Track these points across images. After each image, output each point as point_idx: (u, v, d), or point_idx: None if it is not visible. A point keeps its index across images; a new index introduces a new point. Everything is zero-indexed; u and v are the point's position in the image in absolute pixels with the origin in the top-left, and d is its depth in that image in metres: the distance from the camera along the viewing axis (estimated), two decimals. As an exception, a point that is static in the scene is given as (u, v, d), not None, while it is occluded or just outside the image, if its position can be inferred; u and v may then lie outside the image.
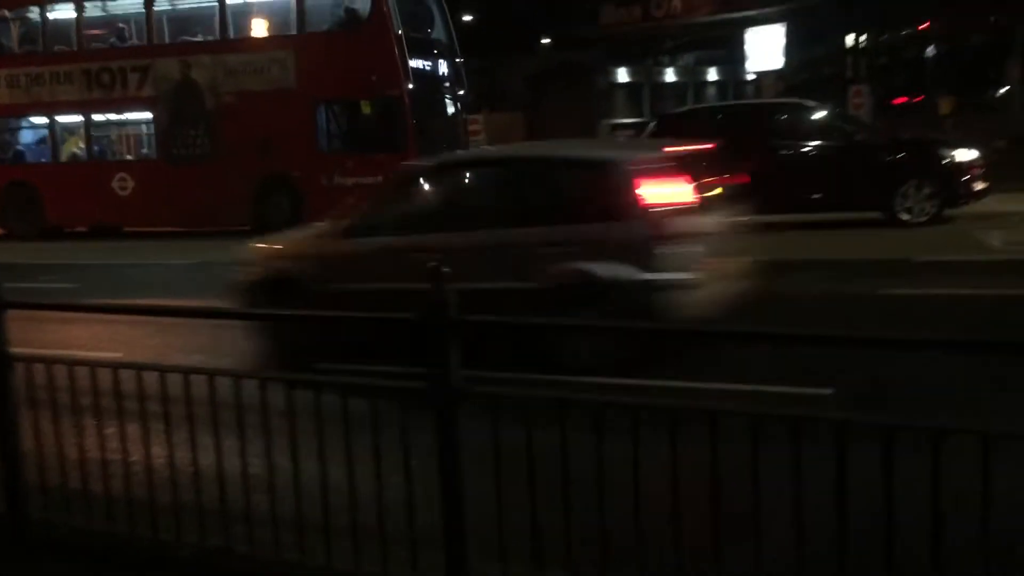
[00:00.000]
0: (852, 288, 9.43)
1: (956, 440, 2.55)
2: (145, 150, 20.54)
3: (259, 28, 19.49)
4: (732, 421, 2.78)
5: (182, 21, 20.30)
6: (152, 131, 19.87)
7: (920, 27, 45.73)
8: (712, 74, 49.09)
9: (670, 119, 14.96)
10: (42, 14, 20.24)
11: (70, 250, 17.62)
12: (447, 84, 19.22)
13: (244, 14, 19.38)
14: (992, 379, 5.34)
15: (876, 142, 14.18)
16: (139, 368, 3.80)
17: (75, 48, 20.17)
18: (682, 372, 6.27)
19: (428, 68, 18.52)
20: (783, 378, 5.79)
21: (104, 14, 20.68)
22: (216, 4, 18.85)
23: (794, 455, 2.66)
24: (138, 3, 19.63)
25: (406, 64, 17.58)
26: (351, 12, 18.32)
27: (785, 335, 3.62)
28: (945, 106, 35.13)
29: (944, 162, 13.61)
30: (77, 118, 20.25)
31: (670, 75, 47.20)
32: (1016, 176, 15.04)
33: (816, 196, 13.83)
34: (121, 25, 20.51)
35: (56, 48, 20.31)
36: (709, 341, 6.46)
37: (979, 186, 13.55)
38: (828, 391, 5.74)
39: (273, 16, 19.38)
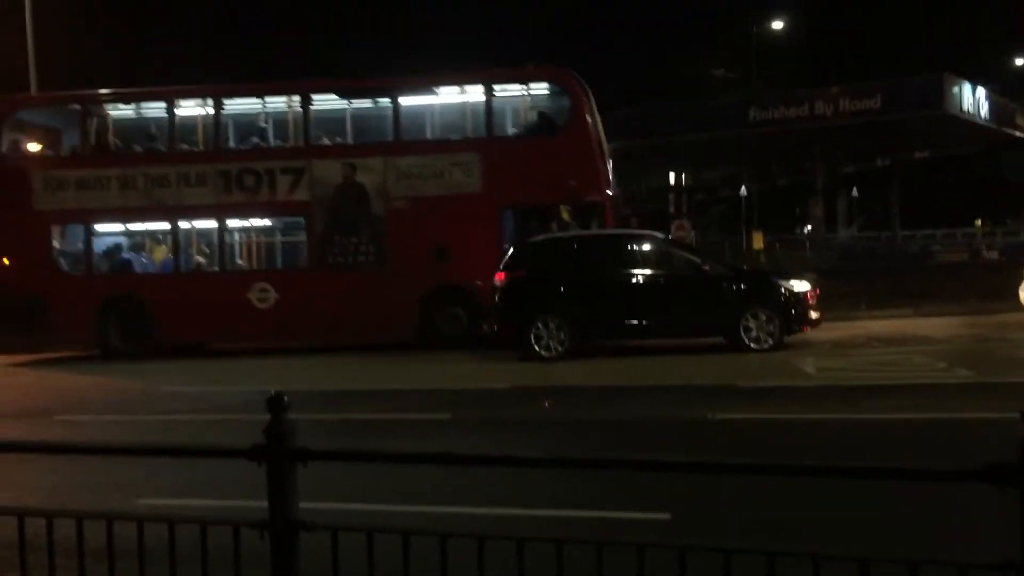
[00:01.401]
0: (686, 412, 9.78)
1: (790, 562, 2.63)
2: (293, 258, 18.76)
3: (440, 131, 18.47)
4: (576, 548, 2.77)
5: (340, 122, 18.77)
6: (304, 238, 18.04)
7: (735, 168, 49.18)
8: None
9: (528, 246, 15.23)
10: (169, 110, 18.32)
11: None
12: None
13: (421, 116, 18.35)
14: (803, 500, 5.58)
15: (721, 273, 14.95)
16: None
17: (210, 148, 18.31)
18: (519, 500, 6.25)
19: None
20: (622, 503, 5.87)
21: (246, 112, 18.94)
22: (390, 105, 17.65)
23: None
24: (283, 104, 18.35)
25: (607, 169, 17.25)
26: (546, 118, 17.66)
27: (624, 461, 3.67)
28: (757, 240, 37.89)
29: (783, 292, 14.52)
30: (208, 223, 18.16)
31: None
32: (826, 307, 16.14)
33: (668, 322, 14.47)
34: (263, 124, 18.82)
35: (185, 147, 18.42)
36: (547, 467, 6.46)
37: (814, 314, 14.54)
38: (666, 516, 5.84)
39: (456, 119, 18.43)
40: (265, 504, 2.96)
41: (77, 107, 18.62)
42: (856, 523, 5.54)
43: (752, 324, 14.18)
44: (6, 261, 18.17)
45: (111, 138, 19.09)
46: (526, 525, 5.52)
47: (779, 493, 5.96)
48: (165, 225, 18.14)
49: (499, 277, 14.74)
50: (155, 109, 18.79)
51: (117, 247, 18.80)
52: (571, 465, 3.55)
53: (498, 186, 16.86)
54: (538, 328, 14.48)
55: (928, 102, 32.04)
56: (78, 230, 18.33)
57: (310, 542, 2.98)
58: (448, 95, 18.37)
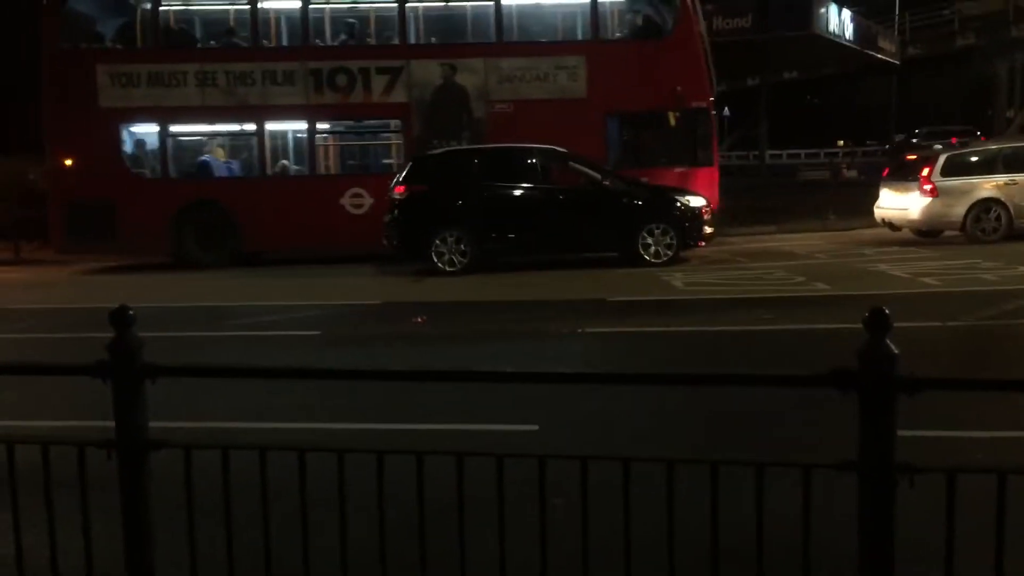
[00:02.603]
0: (555, 326, 9.93)
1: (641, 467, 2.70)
2: (389, 162, 17.53)
3: (543, 32, 17.49)
4: (439, 459, 2.76)
5: (439, 20, 17.63)
6: (401, 141, 17.10)
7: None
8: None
9: (427, 160, 15.01)
10: (252, 3, 16.70)
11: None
12: None
13: (524, 16, 17.31)
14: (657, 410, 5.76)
15: (621, 188, 14.94)
16: None
17: (299, 44, 16.85)
18: (381, 416, 6.24)
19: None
20: (490, 416, 5.92)
21: (337, 7, 17.42)
22: (491, 4, 16.60)
23: (499, 491, 2.70)
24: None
25: (711, 75, 16.66)
26: (651, 21, 16.98)
27: (491, 374, 3.68)
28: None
29: (680, 208, 14.74)
30: (298, 125, 16.87)
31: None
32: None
33: (568, 237, 14.63)
34: (351, 20, 17.38)
35: (271, 43, 16.95)
36: (418, 381, 6.47)
37: (708, 229, 14.90)
38: (535, 427, 5.93)
39: (559, 21, 17.50)
40: (113, 424, 2.84)
41: None
42: (711, 428, 5.76)
43: (650, 239, 14.46)
44: (70, 162, 16.76)
45: (185, 30, 17.79)
46: (388, 439, 5.51)
47: (642, 403, 6.14)
48: (249, 126, 17.17)
49: (399, 190, 14.49)
50: (237, 0, 17.47)
51: (195, 149, 17.69)
52: (435, 378, 3.53)
53: (603, 91, 16.61)
54: (439, 243, 14.38)
55: (796, 21, 32.70)
56: (151, 130, 17.08)
57: (162, 463, 2.87)
58: None
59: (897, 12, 42.23)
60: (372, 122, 17.77)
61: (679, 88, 16.46)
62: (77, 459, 2.88)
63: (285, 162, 17.97)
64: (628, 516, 2.63)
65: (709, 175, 17.20)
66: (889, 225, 17.23)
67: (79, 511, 2.92)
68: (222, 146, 17.82)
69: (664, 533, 2.61)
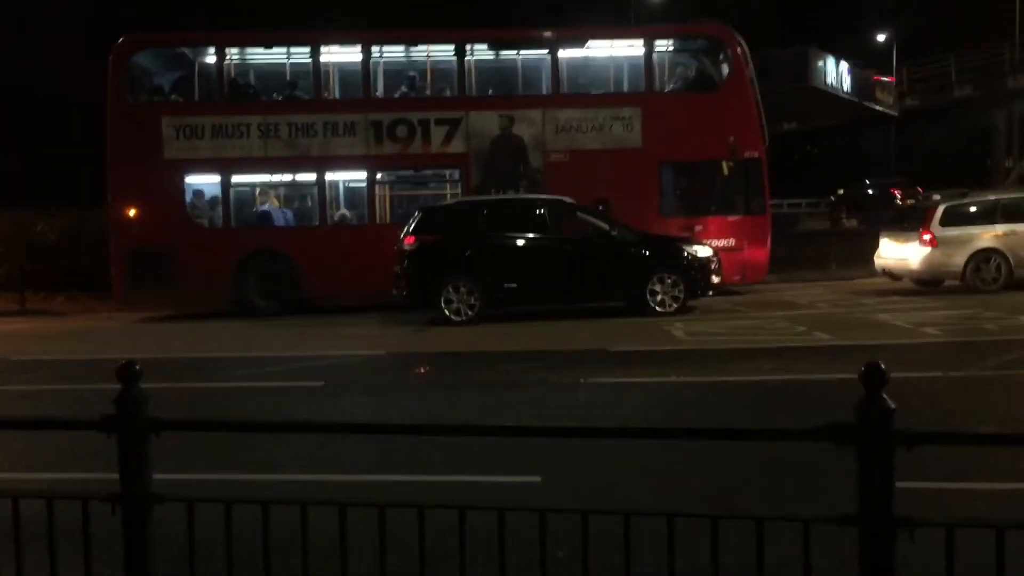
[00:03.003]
0: (558, 376, 9.94)
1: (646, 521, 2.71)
2: None
3: (599, 84, 17.97)
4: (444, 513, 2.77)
5: (497, 72, 18.16)
6: (459, 191, 17.41)
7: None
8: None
9: (436, 210, 15.21)
10: (314, 57, 17.17)
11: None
12: None
13: (581, 68, 17.77)
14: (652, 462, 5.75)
15: (629, 239, 14.96)
16: None
17: (360, 96, 17.28)
18: (385, 467, 6.24)
19: None
20: (492, 468, 5.91)
21: (397, 60, 17.88)
22: (547, 57, 17.12)
23: (499, 543, 2.71)
24: (440, 53, 17.51)
25: (763, 125, 16.97)
26: (705, 73, 17.42)
27: (488, 428, 3.73)
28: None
29: (687, 258, 14.85)
30: (358, 175, 17.22)
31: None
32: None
33: (576, 287, 14.74)
34: (411, 73, 17.81)
35: (332, 95, 17.41)
36: (421, 434, 6.47)
37: (716, 279, 15.03)
38: (537, 479, 5.92)
39: (614, 73, 17.96)
40: (118, 477, 2.86)
41: (211, 49, 17.63)
42: (710, 482, 5.75)
43: (658, 289, 14.55)
44: (133, 212, 16.98)
45: (247, 83, 18.14)
46: (392, 492, 5.50)
47: (640, 456, 6.13)
48: (310, 176, 17.50)
49: (408, 241, 14.64)
50: (298, 54, 17.90)
51: (257, 199, 18.03)
52: (440, 432, 3.55)
53: (657, 141, 17.03)
54: (449, 292, 14.48)
55: (795, 75, 33.11)
56: (214, 180, 17.36)
57: (165, 516, 2.89)
58: (607, 49, 18.30)
59: (895, 63, 42.75)
60: (431, 172, 18.12)
61: (732, 138, 16.84)
62: (81, 513, 2.90)
63: (345, 211, 18.31)
64: (628, 569, 2.64)
65: (761, 224, 17.56)
66: (889, 275, 17.28)
67: (83, 565, 2.93)
68: (283, 196, 18.25)
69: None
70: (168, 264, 16.52)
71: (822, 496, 4.97)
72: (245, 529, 2.84)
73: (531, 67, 18.37)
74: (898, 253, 16.84)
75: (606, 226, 15.05)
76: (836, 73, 35.18)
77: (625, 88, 18.16)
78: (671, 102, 17.63)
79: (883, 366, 2.45)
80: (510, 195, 16.53)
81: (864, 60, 39.98)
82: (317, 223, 17.56)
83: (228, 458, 6.23)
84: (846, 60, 35.96)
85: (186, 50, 18.31)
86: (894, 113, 40.55)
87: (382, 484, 5.82)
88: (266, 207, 17.79)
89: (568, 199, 15.74)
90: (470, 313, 14.50)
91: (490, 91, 18.20)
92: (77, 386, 9.69)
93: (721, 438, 3.04)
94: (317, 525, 2.82)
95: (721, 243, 16.73)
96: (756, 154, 17.12)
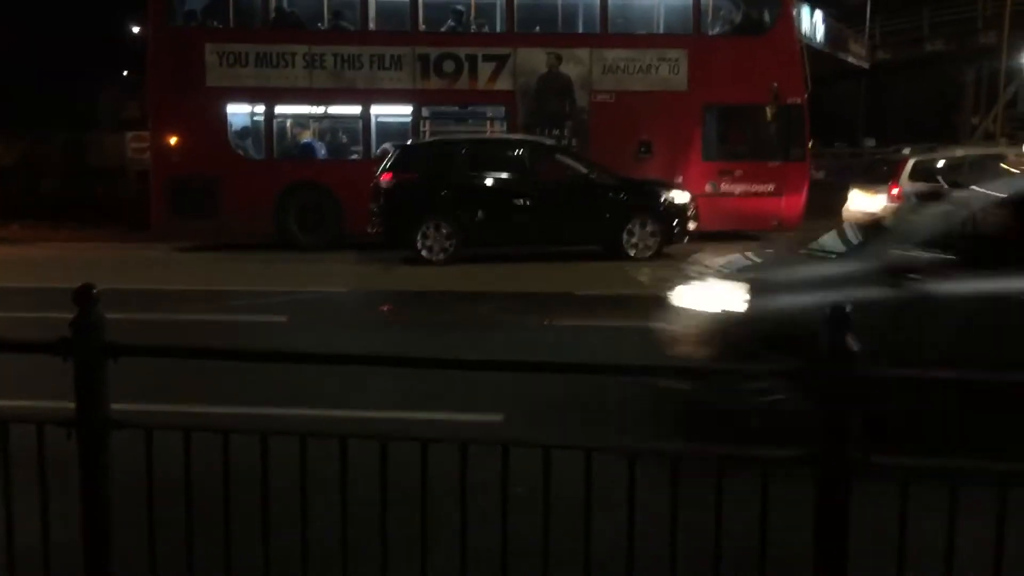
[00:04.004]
0: (522, 318, 10.00)
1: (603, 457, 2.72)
2: None
3: (646, 25, 17.72)
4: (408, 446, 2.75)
5: (546, 9, 17.80)
6: (504, 127, 17.27)
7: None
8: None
9: (413, 149, 14.99)
10: None
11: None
12: None
13: (629, 9, 17.51)
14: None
15: (608, 182, 14.88)
16: None
17: (408, 30, 16.91)
18: (346, 402, 6.23)
19: None
20: (454, 405, 5.93)
21: None
22: None
23: (461, 477, 2.70)
24: None
25: (807, 72, 16.85)
26: (752, 17, 17.20)
27: (455, 361, 3.71)
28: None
29: (666, 203, 14.80)
30: (403, 109, 16.89)
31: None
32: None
33: (552, 229, 14.56)
34: (459, 8, 17.31)
35: (379, 27, 17.07)
36: (383, 366, 6.45)
37: (692, 225, 14.96)
38: (499, 417, 5.94)
39: (662, 14, 17.68)
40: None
41: None
42: (678, 419, 5.81)
43: (636, 232, 14.53)
44: (174, 140, 16.61)
45: (294, 11, 17.62)
46: (353, 426, 5.47)
47: (601, 394, 6.17)
48: (354, 109, 17.25)
49: (385, 177, 14.44)
50: None
51: (300, 130, 17.74)
52: (402, 364, 3.52)
53: (702, 84, 16.93)
54: (425, 231, 14.34)
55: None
56: (257, 110, 17.08)
57: (122, 443, 2.85)
58: None
59: (868, 17, 42.66)
60: (477, 108, 17.94)
61: (776, 84, 16.73)
62: (36, 437, 2.85)
63: (388, 146, 17.89)
64: (590, 507, 2.65)
65: (801, 170, 17.61)
66: (859, 227, 17.40)
67: (38, 490, 2.89)
68: (327, 128, 18.03)
69: (624, 522, 2.63)
70: (210, 193, 16.35)
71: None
72: (205, 459, 2.80)
73: (580, 5, 18.25)
74: (867, 206, 16.95)
75: (585, 169, 14.98)
76: (810, 22, 34.97)
77: (673, 30, 18.07)
78: (718, 46, 17.58)
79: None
80: (488, 135, 16.42)
81: (838, 11, 39.82)
82: (360, 157, 17.35)
83: (189, 390, 6.18)
84: (821, 8, 35.72)
85: None
86: (866, 66, 40.53)
87: (340, 419, 5.81)
88: (309, 139, 17.64)
89: (547, 140, 15.63)
90: (444, 254, 14.40)
91: (538, 29, 18.07)
92: (36, 314, 9.54)
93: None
94: (277, 457, 2.80)
95: (759, 188, 16.98)
96: (799, 100, 17.12)
